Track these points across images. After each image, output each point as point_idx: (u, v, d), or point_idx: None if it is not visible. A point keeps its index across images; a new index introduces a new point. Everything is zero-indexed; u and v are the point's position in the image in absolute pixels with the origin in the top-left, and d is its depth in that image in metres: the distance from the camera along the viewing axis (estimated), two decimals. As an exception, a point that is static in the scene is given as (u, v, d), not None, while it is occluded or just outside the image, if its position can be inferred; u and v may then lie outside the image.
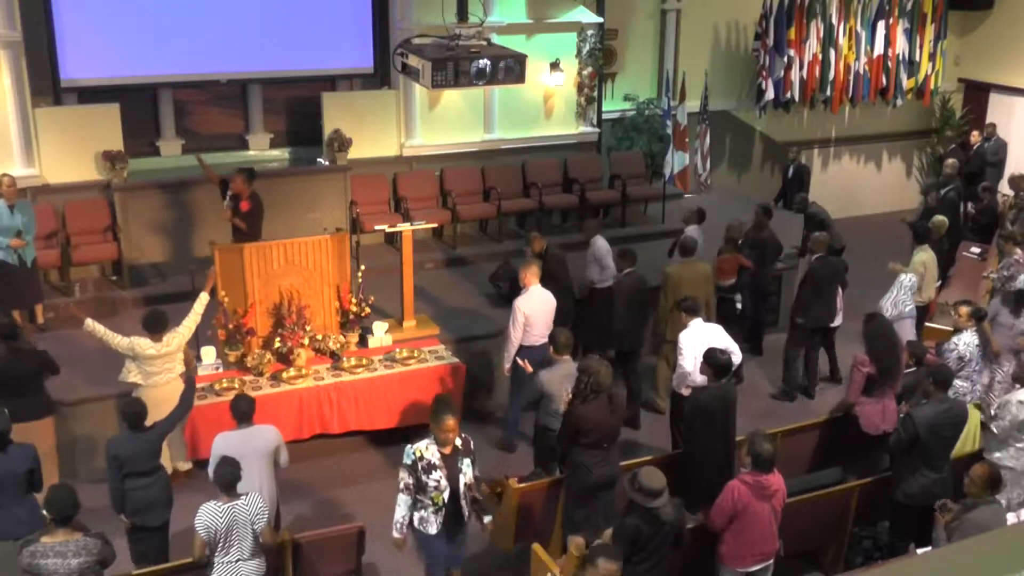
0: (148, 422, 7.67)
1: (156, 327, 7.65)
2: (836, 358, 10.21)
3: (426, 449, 6.18)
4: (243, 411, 6.65)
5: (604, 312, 9.39)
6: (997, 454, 7.17)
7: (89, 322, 7.72)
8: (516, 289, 8.82)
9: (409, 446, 6.26)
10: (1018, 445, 7.14)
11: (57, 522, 5.51)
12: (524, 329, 8.43)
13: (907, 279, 9.25)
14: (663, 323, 9.38)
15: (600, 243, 9.91)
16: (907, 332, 8.96)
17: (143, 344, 7.61)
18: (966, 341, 8.05)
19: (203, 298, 8.01)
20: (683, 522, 6.03)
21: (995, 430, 7.23)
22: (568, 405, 6.83)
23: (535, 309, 8.44)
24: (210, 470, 6.58)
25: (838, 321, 9.88)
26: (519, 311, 8.40)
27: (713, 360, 7.10)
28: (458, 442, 6.26)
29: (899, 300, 9.11)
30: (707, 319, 8.48)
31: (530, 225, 11.94)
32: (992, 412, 7.33)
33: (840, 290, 9.81)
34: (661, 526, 5.77)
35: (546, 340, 8.37)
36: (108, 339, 7.66)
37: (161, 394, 7.66)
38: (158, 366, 7.67)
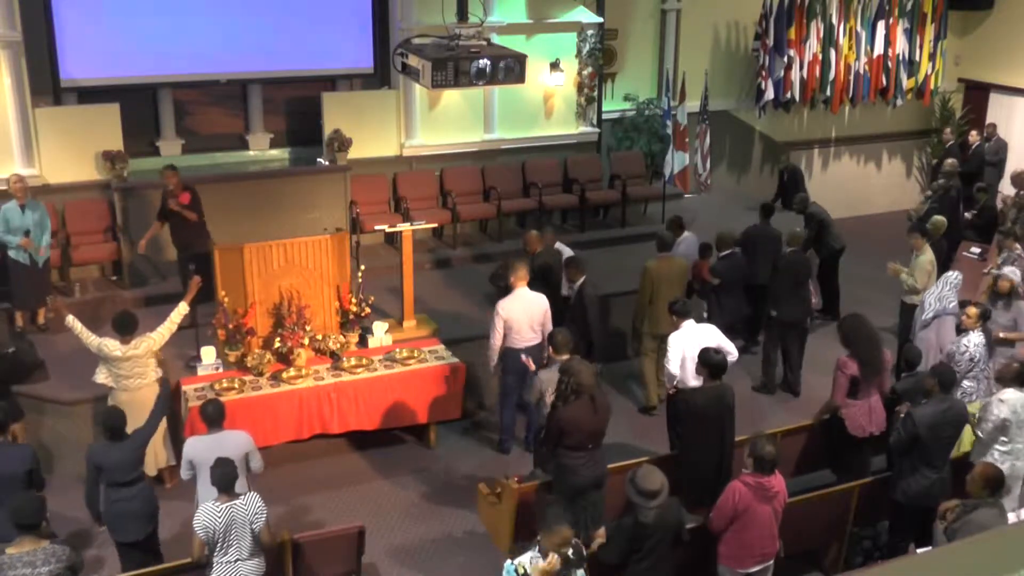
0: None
1: (124, 328, 7.61)
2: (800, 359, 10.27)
3: (530, 564, 5.34)
4: (211, 416, 6.61)
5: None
6: (981, 459, 7.11)
7: (70, 319, 7.72)
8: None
9: (509, 562, 5.38)
10: (1000, 448, 7.07)
11: (22, 529, 5.42)
12: (506, 332, 8.38)
13: (953, 276, 9.04)
14: (641, 318, 9.39)
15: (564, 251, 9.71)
16: (949, 330, 8.77)
17: (110, 345, 7.58)
18: (975, 342, 8.03)
19: (181, 308, 7.93)
20: (683, 521, 6.03)
21: (980, 434, 7.15)
22: (551, 407, 6.81)
23: (517, 312, 8.37)
24: (183, 472, 6.65)
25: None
26: (497, 314, 8.37)
27: (707, 360, 7.07)
28: (569, 551, 5.42)
29: (944, 295, 8.85)
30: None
31: (531, 224, 11.91)
32: (977, 414, 7.28)
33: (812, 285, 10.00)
34: (659, 525, 5.77)
35: (531, 343, 8.38)
36: (83, 337, 7.64)
37: (132, 399, 7.61)
38: (126, 369, 7.62)
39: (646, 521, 5.74)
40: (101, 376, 7.71)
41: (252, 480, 6.80)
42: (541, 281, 9.45)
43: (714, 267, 9.85)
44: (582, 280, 8.99)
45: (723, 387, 7.11)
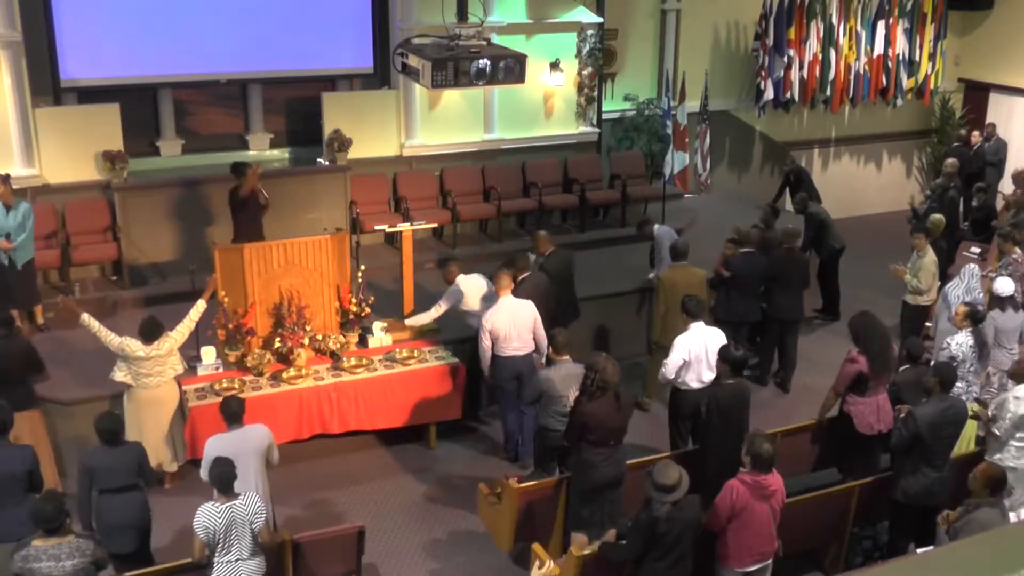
0: (138, 423, 7.66)
1: (151, 335, 7.64)
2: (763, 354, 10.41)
3: None
4: (233, 412, 6.63)
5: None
6: (998, 455, 7.17)
7: (85, 317, 7.74)
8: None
9: None
10: (1016, 444, 7.14)
11: (47, 532, 5.44)
12: (493, 341, 8.34)
13: (975, 268, 9.23)
14: (656, 327, 9.32)
15: (471, 279, 9.12)
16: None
17: (133, 345, 7.61)
18: (959, 342, 8.05)
19: (200, 305, 8.00)
20: (701, 519, 6.03)
21: (996, 431, 7.22)
22: (575, 402, 6.84)
23: (502, 321, 8.31)
24: (202, 472, 6.59)
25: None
26: (483, 326, 8.34)
27: (729, 356, 7.10)
28: None
29: (972, 287, 8.99)
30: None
31: (531, 224, 11.88)
32: (991, 412, 7.32)
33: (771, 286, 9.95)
34: (675, 521, 5.77)
35: (523, 352, 8.36)
36: (101, 336, 7.68)
37: (151, 396, 7.68)
38: (147, 368, 7.66)
39: (659, 515, 5.75)
40: (120, 374, 7.73)
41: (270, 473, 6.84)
42: (557, 282, 9.37)
43: (729, 261, 9.79)
44: (523, 277, 8.93)
45: (742, 383, 7.18)
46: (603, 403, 6.70)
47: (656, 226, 10.39)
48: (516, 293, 8.58)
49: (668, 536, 5.80)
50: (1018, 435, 7.13)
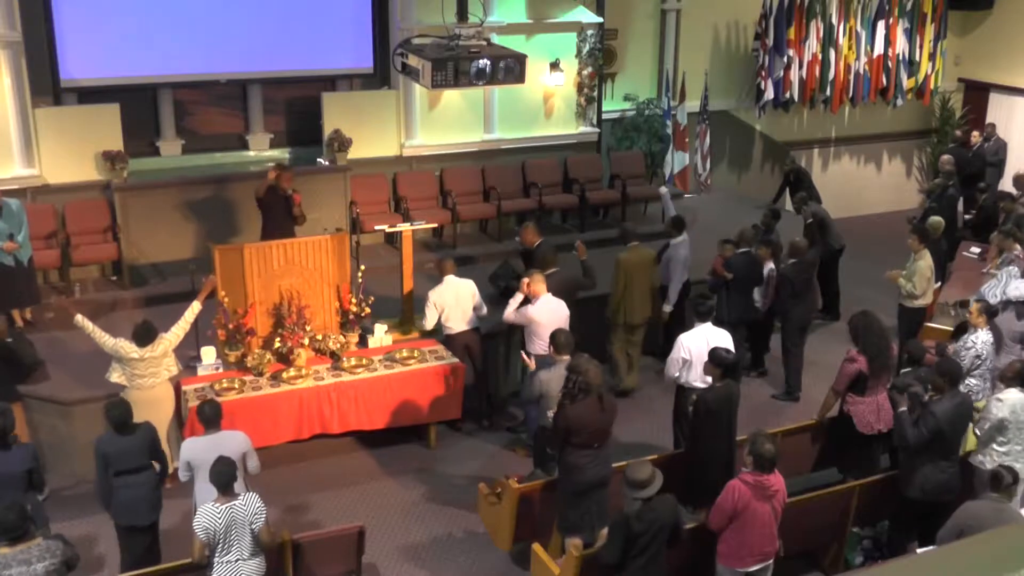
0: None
1: (145, 339, 7.63)
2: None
3: None
4: (208, 417, 6.64)
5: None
6: (980, 457, 7.13)
7: (79, 318, 7.74)
8: (515, 289, 8.77)
9: None
10: (997, 449, 7.06)
11: (12, 541, 5.39)
12: (534, 338, 8.32)
13: (1014, 269, 9.11)
14: (616, 310, 9.58)
15: (458, 283, 8.98)
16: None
17: (127, 347, 7.61)
18: (983, 340, 8.02)
19: (195, 307, 7.98)
20: (679, 518, 6.03)
21: (976, 432, 7.17)
22: (559, 406, 6.82)
23: (544, 317, 8.28)
24: (180, 474, 6.70)
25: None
26: (525, 312, 8.33)
27: (720, 360, 7.09)
28: None
29: (1011, 288, 8.86)
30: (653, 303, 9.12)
31: (529, 218, 11.90)
32: (976, 416, 7.29)
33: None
34: (652, 522, 5.76)
35: None
36: (96, 336, 7.69)
37: (145, 397, 7.65)
38: (142, 369, 7.66)
39: (629, 512, 5.74)
40: (115, 375, 7.73)
41: (250, 482, 6.80)
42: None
43: (729, 262, 9.78)
44: (549, 272, 8.90)
45: (732, 386, 7.17)
46: (586, 405, 6.63)
47: (683, 236, 10.30)
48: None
49: (645, 536, 5.79)
50: (999, 439, 7.06)
